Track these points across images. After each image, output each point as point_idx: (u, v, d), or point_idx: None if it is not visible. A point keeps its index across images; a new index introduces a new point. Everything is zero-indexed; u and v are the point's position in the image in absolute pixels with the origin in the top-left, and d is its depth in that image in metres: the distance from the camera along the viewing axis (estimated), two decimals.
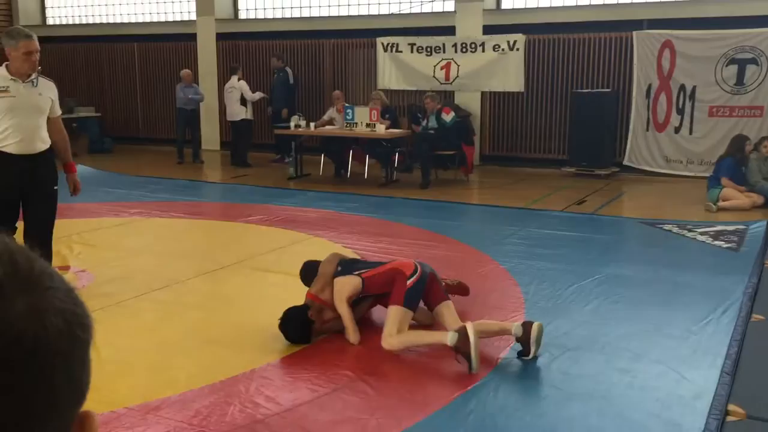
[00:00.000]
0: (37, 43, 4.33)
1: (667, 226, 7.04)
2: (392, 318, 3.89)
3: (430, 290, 4.05)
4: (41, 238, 4.42)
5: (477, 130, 11.25)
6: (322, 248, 6.02)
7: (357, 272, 4.13)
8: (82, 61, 15.15)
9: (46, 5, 15.79)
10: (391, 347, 3.84)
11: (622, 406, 3.27)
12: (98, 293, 4.95)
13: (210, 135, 13.74)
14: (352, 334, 4.03)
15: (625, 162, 10.62)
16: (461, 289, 4.69)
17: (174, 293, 5.01)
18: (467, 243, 6.40)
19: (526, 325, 3.80)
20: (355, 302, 4.12)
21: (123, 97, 14.86)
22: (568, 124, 10.83)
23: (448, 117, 9.88)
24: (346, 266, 4.20)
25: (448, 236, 6.67)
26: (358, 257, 4.95)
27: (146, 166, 11.84)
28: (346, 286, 4.07)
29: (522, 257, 5.87)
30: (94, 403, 2.66)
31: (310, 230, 6.92)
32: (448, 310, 4.00)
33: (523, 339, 3.78)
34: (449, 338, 3.69)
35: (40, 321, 0.58)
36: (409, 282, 3.95)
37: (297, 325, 4.02)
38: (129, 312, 4.60)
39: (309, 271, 4.33)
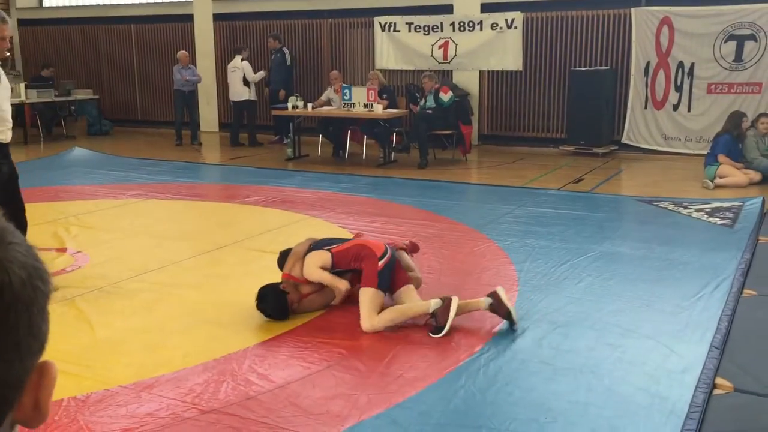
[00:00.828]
0: (10, 29, 4.17)
1: (663, 204, 7.05)
2: (368, 300, 3.93)
3: (396, 274, 4.13)
4: (23, 225, 4.38)
5: (475, 110, 11.23)
6: (318, 228, 6.05)
7: (327, 248, 4.21)
8: (79, 43, 15.10)
9: None
10: (373, 328, 3.88)
11: (610, 381, 3.30)
12: (94, 274, 5.00)
13: (208, 116, 13.72)
14: (339, 283, 4.11)
15: (624, 140, 10.60)
16: (413, 247, 4.78)
17: (170, 274, 5.04)
18: (463, 222, 6.42)
19: (493, 294, 3.92)
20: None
21: (121, 79, 14.82)
22: (566, 102, 10.79)
23: (446, 96, 9.85)
24: (318, 245, 4.27)
25: (444, 215, 6.69)
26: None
27: (144, 148, 11.85)
28: (316, 258, 4.14)
29: (517, 235, 5.89)
30: (89, 381, 2.74)
31: (307, 211, 6.94)
32: (408, 293, 4.07)
33: (496, 304, 3.87)
34: (432, 305, 3.86)
35: (5, 271, 0.63)
36: (380, 263, 4.01)
37: (271, 299, 4.08)
38: (124, 292, 4.63)
39: (284, 258, 4.36)
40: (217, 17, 13.42)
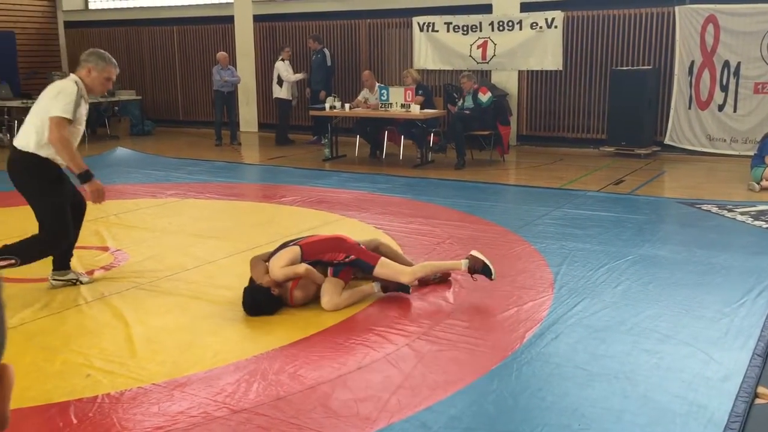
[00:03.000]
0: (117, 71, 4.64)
1: (706, 206, 6.88)
2: (331, 286, 4.32)
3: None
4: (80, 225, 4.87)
5: (514, 110, 11.12)
6: (353, 229, 6.05)
7: (294, 242, 4.43)
8: (123, 44, 15.37)
9: None
10: (336, 307, 4.21)
11: (646, 388, 3.22)
12: (132, 272, 5.07)
13: (248, 117, 13.86)
14: (298, 269, 4.24)
15: (666, 141, 10.39)
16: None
17: (205, 273, 5.09)
18: (499, 223, 6.35)
19: (470, 257, 4.44)
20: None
21: (163, 80, 15.06)
22: (607, 102, 10.62)
23: (485, 97, 9.77)
24: (276, 251, 4.46)
25: (480, 217, 6.63)
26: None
27: (185, 148, 12.02)
28: (282, 258, 4.31)
29: (554, 238, 5.80)
30: (123, 378, 2.77)
31: (342, 211, 6.95)
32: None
33: (473, 262, 4.38)
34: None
35: None
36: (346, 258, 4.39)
37: (264, 302, 4.24)
38: (161, 291, 4.69)
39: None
40: (257, 18, 13.55)
